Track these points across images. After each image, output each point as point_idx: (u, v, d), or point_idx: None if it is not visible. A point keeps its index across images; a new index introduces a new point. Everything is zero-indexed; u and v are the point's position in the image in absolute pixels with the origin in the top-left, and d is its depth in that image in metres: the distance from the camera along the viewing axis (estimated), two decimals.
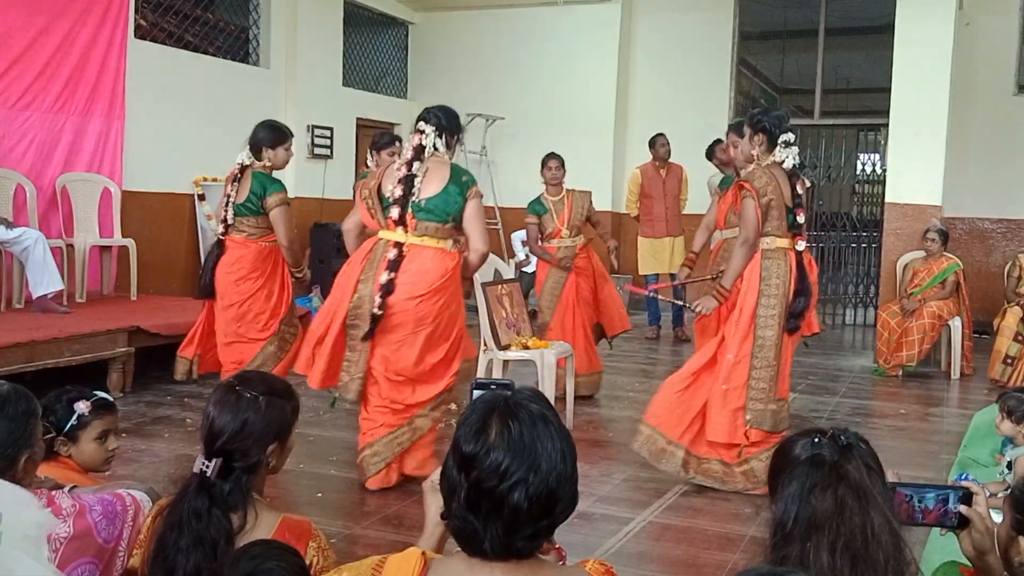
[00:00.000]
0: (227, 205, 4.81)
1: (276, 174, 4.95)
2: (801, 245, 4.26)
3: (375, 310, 3.78)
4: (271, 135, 4.83)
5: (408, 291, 3.79)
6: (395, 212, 3.80)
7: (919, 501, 1.77)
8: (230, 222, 4.81)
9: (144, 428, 4.95)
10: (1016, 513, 1.80)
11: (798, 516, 1.48)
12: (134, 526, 1.96)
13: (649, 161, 8.49)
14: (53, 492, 1.86)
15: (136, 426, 4.98)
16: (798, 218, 4.24)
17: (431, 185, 3.83)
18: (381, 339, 3.87)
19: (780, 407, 4.16)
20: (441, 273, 3.85)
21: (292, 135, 4.99)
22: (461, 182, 3.86)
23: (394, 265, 3.78)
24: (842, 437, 1.56)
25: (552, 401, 4.81)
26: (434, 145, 3.88)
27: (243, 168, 4.81)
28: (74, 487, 2.14)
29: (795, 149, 4.24)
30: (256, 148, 4.81)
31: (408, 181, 3.81)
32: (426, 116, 3.95)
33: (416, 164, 3.84)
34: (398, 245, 3.81)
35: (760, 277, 4.12)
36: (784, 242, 4.19)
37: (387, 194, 3.86)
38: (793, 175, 4.22)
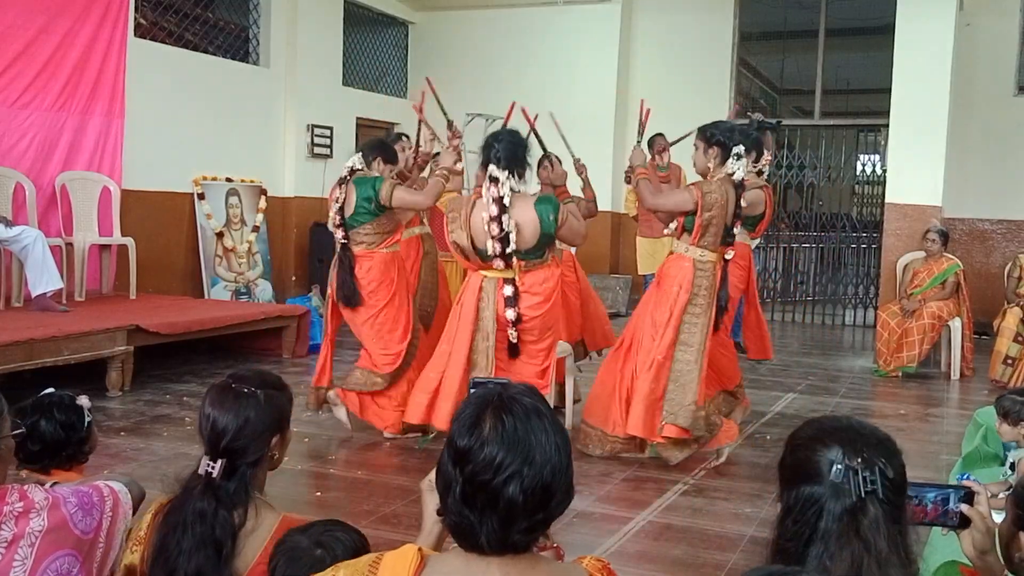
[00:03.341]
0: (334, 209, 4.79)
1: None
2: (729, 255, 4.51)
3: (512, 340, 4.12)
4: (387, 153, 4.95)
5: (534, 311, 4.13)
6: (499, 263, 4.07)
7: (920, 500, 1.76)
8: (343, 226, 4.77)
9: (143, 427, 4.94)
10: (1018, 509, 1.80)
11: (806, 555, 1.44)
12: (113, 516, 1.94)
13: (648, 161, 8.48)
14: (25, 487, 1.84)
15: (135, 424, 4.97)
16: (734, 229, 4.46)
17: (525, 236, 4.03)
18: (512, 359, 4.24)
19: (700, 411, 4.32)
20: (555, 284, 4.20)
21: (396, 163, 5.06)
22: (549, 221, 4.06)
23: (514, 301, 4.08)
24: (867, 477, 1.45)
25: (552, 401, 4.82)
26: (511, 189, 4.00)
27: (352, 171, 4.76)
28: (55, 483, 2.13)
29: (744, 162, 4.44)
30: (371, 157, 4.85)
31: (504, 240, 4.00)
32: (495, 159, 4.03)
33: (504, 218, 3.98)
34: (510, 281, 4.07)
35: (691, 289, 4.35)
36: (714, 256, 4.42)
37: (484, 249, 4.06)
38: (739, 187, 4.41)
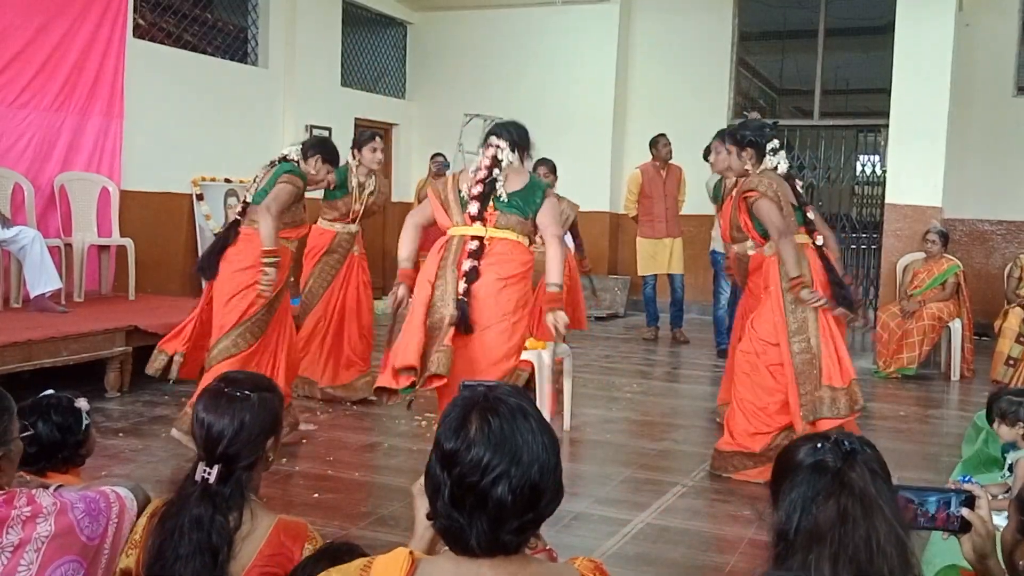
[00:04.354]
0: (251, 188, 4.66)
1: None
2: (819, 240, 4.37)
3: (459, 296, 3.67)
4: (328, 151, 4.88)
5: (494, 273, 3.70)
6: (474, 208, 3.71)
7: (921, 505, 1.76)
8: (248, 202, 4.59)
9: (141, 428, 4.93)
10: (1021, 516, 1.79)
11: (799, 526, 1.44)
12: (119, 523, 1.94)
13: (649, 161, 8.49)
14: (34, 491, 1.84)
15: (133, 426, 4.96)
16: (808, 214, 4.36)
17: (512, 184, 3.77)
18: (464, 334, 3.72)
19: (836, 393, 4.16)
20: (522, 261, 3.80)
21: (339, 164, 5.01)
22: (541, 184, 3.85)
23: (476, 254, 3.70)
24: (846, 442, 1.49)
25: (549, 400, 4.77)
26: (508, 159, 3.79)
27: (283, 159, 4.67)
28: (60, 486, 2.12)
29: (783, 153, 4.37)
30: (310, 152, 4.80)
31: (489, 183, 3.73)
32: (498, 131, 3.87)
33: (495, 170, 3.75)
34: (478, 237, 3.73)
35: (781, 283, 4.24)
36: (801, 238, 4.31)
37: (463, 193, 3.77)
38: (789, 177, 4.35)
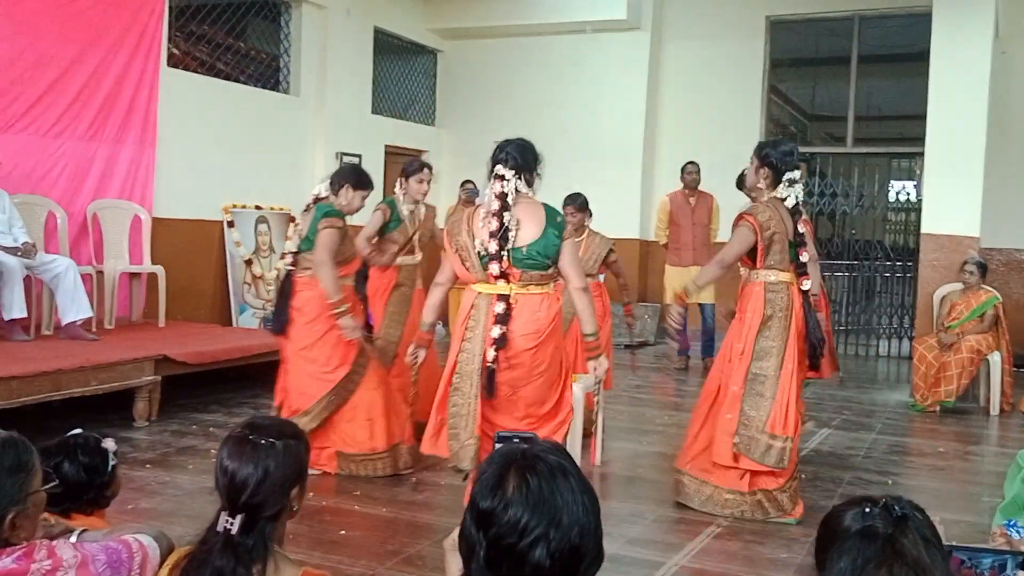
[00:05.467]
0: (292, 236, 4.68)
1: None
2: (806, 285, 4.25)
3: (490, 364, 3.68)
4: (357, 178, 4.75)
5: (524, 342, 3.71)
6: (495, 268, 3.67)
7: (975, 566, 1.68)
8: (295, 251, 4.62)
9: (168, 459, 4.91)
10: None
11: None
12: (141, 573, 1.90)
13: (679, 189, 8.43)
14: (55, 542, 1.80)
15: (160, 456, 4.94)
16: (801, 257, 4.25)
17: (528, 230, 3.68)
18: (498, 394, 3.75)
19: (775, 441, 4.10)
20: (551, 318, 3.78)
21: (372, 187, 4.87)
22: (556, 223, 3.74)
23: (504, 319, 3.68)
24: (896, 507, 1.42)
25: (580, 436, 4.69)
26: (516, 189, 3.71)
27: (316, 199, 4.64)
28: (84, 531, 2.09)
29: (799, 187, 4.26)
30: (337, 185, 4.68)
31: (503, 235, 3.66)
32: (503, 158, 3.74)
33: (506, 214, 3.67)
34: (503, 297, 3.70)
35: (763, 310, 4.18)
36: (787, 276, 4.22)
37: (480, 249, 3.71)
38: (795, 213, 4.22)
